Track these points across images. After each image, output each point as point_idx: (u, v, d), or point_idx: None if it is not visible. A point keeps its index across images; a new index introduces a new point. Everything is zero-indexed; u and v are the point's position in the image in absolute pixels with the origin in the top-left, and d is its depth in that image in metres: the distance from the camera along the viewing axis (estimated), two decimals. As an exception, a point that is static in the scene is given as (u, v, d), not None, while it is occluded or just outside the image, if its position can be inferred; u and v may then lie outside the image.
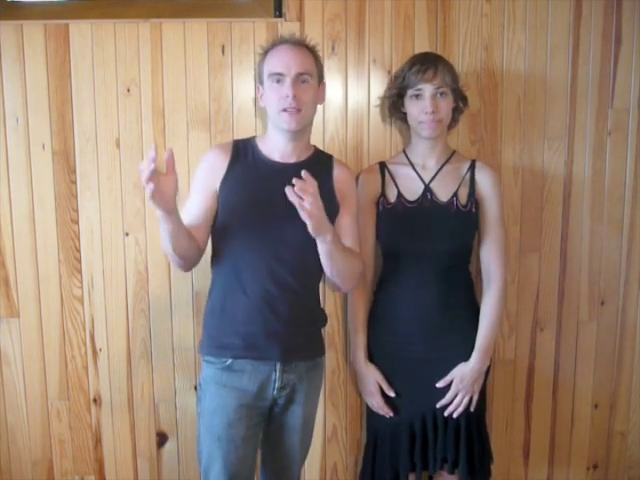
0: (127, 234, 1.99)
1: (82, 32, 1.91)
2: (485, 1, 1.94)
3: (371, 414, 1.88)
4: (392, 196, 1.81)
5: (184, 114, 1.95)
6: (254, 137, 1.73)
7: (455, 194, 1.79)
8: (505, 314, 2.05)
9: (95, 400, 2.07)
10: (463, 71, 1.92)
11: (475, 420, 1.80)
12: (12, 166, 1.96)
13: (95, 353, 2.05)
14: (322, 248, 1.54)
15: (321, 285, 1.80)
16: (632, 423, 2.17)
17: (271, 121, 1.64)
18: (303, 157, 1.67)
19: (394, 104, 1.84)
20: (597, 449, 2.18)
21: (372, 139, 1.99)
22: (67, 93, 1.94)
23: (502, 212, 1.84)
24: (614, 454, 2.19)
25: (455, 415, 1.76)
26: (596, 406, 2.15)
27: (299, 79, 1.57)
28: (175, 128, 1.96)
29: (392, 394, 1.81)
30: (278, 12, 1.93)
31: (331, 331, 2.04)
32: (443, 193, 1.79)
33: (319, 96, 1.65)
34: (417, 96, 1.74)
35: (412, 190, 1.80)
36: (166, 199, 1.39)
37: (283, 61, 1.56)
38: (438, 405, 1.77)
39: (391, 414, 1.81)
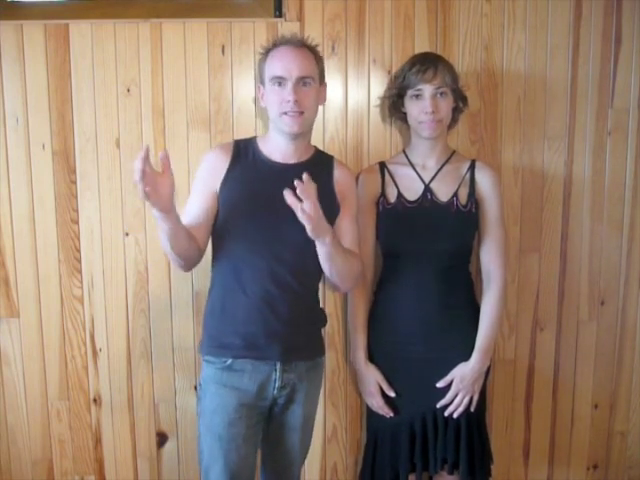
0: (127, 234, 1.99)
1: (82, 32, 1.91)
2: (485, 1, 1.94)
3: (371, 414, 1.88)
4: (392, 196, 1.81)
5: (184, 114, 1.95)
6: (255, 137, 1.73)
7: (455, 194, 1.79)
8: (505, 314, 2.05)
9: (95, 400, 2.07)
10: (463, 71, 1.92)
11: (475, 420, 1.80)
12: (12, 166, 1.96)
13: (95, 353, 2.05)
14: (321, 250, 1.54)
15: (321, 285, 1.81)
16: (632, 423, 2.17)
17: (272, 123, 1.64)
18: (304, 158, 1.67)
19: (394, 104, 1.84)
20: (597, 449, 2.18)
21: (372, 139, 1.99)
22: (67, 93, 1.94)
23: (502, 212, 1.84)
24: (614, 454, 2.19)
25: (455, 415, 1.76)
26: (596, 406, 2.15)
27: (300, 82, 1.56)
28: (175, 128, 1.96)
29: (392, 394, 1.81)
30: (278, 12, 1.93)
31: (331, 331, 2.04)
32: (443, 193, 1.79)
33: (320, 97, 1.65)
34: (417, 96, 1.74)
35: (412, 190, 1.80)
36: (162, 199, 1.38)
37: (284, 64, 1.56)
38: (438, 405, 1.77)
39: (391, 414, 1.81)
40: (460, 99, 1.80)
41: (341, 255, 1.57)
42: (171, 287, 2.02)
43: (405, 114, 1.81)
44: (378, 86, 1.96)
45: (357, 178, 1.83)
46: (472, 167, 1.83)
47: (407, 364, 1.79)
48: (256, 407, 1.64)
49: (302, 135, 1.63)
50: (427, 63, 1.73)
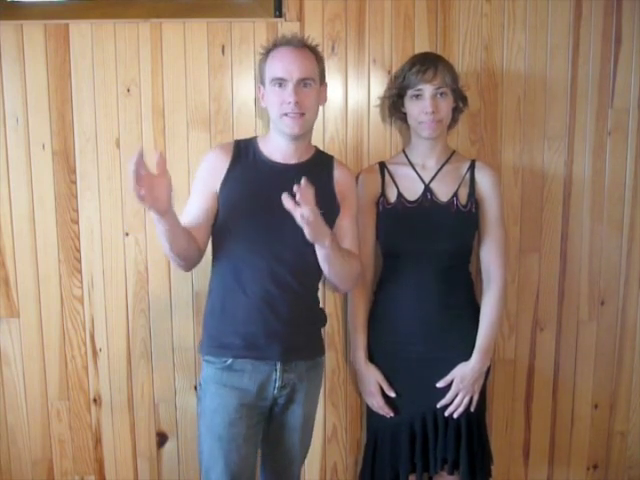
0: (127, 234, 1.99)
1: (82, 32, 1.91)
2: (485, 1, 1.94)
3: (371, 414, 1.88)
4: (392, 196, 1.81)
5: (184, 114, 1.95)
6: (255, 137, 1.72)
7: (455, 194, 1.79)
8: (505, 314, 2.05)
9: (95, 400, 2.07)
10: (463, 71, 1.92)
11: (475, 420, 1.80)
12: (12, 166, 1.96)
13: (95, 353, 2.05)
14: (320, 252, 1.54)
15: (321, 285, 1.81)
16: (632, 423, 2.17)
17: (273, 123, 1.64)
18: (304, 158, 1.67)
19: (394, 104, 1.84)
20: (597, 449, 2.18)
21: (372, 139, 1.99)
22: (67, 93, 1.94)
23: (502, 212, 1.84)
24: (614, 454, 2.18)
25: (455, 415, 1.76)
26: (596, 406, 2.15)
27: (301, 83, 1.56)
28: (175, 128, 1.96)
29: (392, 394, 1.80)
30: (278, 12, 1.93)
31: (331, 331, 2.04)
32: (443, 193, 1.79)
33: (321, 97, 1.65)
34: (417, 96, 1.74)
35: (412, 190, 1.80)
36: (158, 201, 1.37)
37: (285, 66, 1.56)
38: (438, 405, 1.77)
39: (391, 414, 1.81)
40: (460, 99, 1.80)
41: (340, 257, 1.57)
42: (171, 287, 2.02)
43: (405, 114, 1.81)
44: (378, 86, 1.96)
45: (357, 178, 1.83)
46: (472, 167, 1.83)
47: (407, 364, 1.79)
48: (256, 407, 1.64)
49: (303, 136, 1.63)
50: (427, 63, 1.73)
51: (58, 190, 1.97)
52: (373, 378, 1.82)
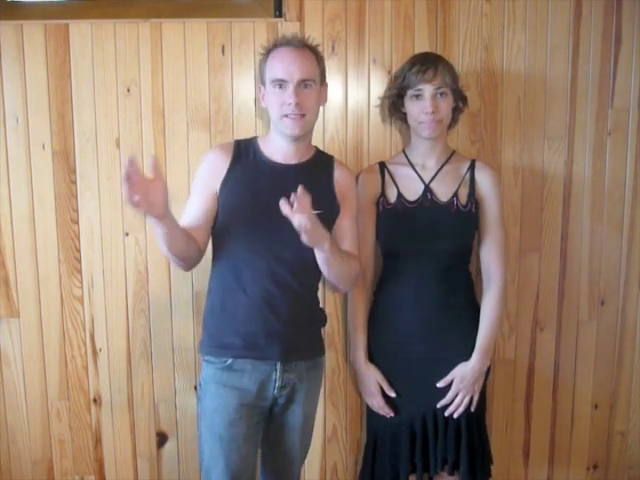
0: (127, 234, 1.99)
1: (82, 32, 1.91)
2: (485, 1, 1.94)
3: (371, 414, 1.88)
4: (392, 196, 1.81)
5: (184, 114, 1.95)
6: (256, 137, 1.72)
7: (455, 194, 1.79)
8: (505, 314, 2.05)
9: (95, 400, 2.07)
10: (463, 71, 1.92)
11: (475, 420, 1.80)
12: (12, 166, 1.96)
13: (95, 353, 2.05)
14: (319, 256, 1.54)
15: (321, 285, 1.81)
16: (632, 423, 2.17)
17: (273, 124, 1.64)
18: (305, 158, 1.67)
19: (394, 104, 1.84)
20: (597, 449, 2.18)
21: (372, 139, 1.99)
22: (67, 93, 1.94)
23: (502, 212, 1.84)
24: (614, 454, 2.19)
25: (455, 415, 1.76)
26: (596, 406, 2.15)
27: (302, 85, 1.56)
28: (175, 128, 1.95)
29: (393, 394, 1.80)
30: (278, 12, 1.93)
31: (331, 331, 2.04)
32: (443, 193, 1.79)
33: (321, 97, 1.64)
34: (417, 96, 1.74)
35: (412, 190, 1.80)
36: (154, 206, 1.35)
37: (285, 67, 1.55)
38: (438, 405, 1.77)
39: (391, 414, 1.81)
40: (460, 99, 1.80)
41: (339, 259, 1.57)
42: (171, 287, 2.02)
43: (405, 114, 1.81)
44: (378, 86, 1.96)
45: (357, 178, 1.83)
46: (472, 167, 1.83)
47: (407, 364, 1.79)
48: (256, 407, 1.64)
49: (303, 137, 1.63)
50: (427, 63, 1.73)
51: (58, 190, 1.97)
52: (373, 378, 1.82)
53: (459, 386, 1.76)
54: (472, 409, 1.77)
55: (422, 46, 1.93)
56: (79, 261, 2.01)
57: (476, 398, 1.78)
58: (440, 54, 1.85)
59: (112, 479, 2.11)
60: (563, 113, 2.00)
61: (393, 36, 1.94)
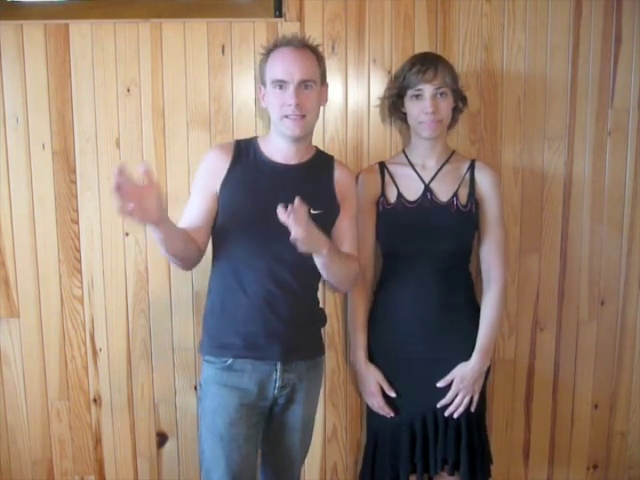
0: (127, 234, 1.99)
1: (82, 32, 1.91)
2: (485, 1, 1.94)
3: (371, 414, 1.88)
4: (392, 196, 1.81)
5: (184, 114, 1.95)
6: (256, 137, 1.72)
7: (455, 194, 1.79)
8: (505, 314, 2.05)
9: (95, 400, 2.07)
10: (463, 71, 1.92)
11: (475, 420, 1.80)
12: (12, 166, 1.96)
13: (95, 353, 2.05)
14: (318, 260, 1.54)
15: (321, 285, 1.81)
16: (632, 423, 2.17)
17: (274, 125, 1.64)
18: (305, 159, 1.67)
19: (394, 104, 1.84)
20: (597, 449, 2.18)
21: (372, 139, 1.99)
22: (67, 93, 1.93)
23: (502, 212, 1.84)
24: (614, 454, 2.19)
25: (455, 415, 1.76)
26: (596, 406, 2.15)
27: (302, 85, 1.56)
28: (175, 128, 1.95)
29: (393, 394, 1.80)
30: (278, 12, 1.93)
31: (331, 331, 2.04)
32: (443, 193, 1.79)
33: (322, 97, 1.64)
34: (417, 96, 1.74)
35: (412, 190, 1.80)
36: (148, 213, 1.33)
37: (286, 67, 1.55)
38: (438, 405, 1.77)
39: (392, 414, 1.81)
40: (460, 99, 1.80)
41: (338, 263, 1.58)
42: (171, 287, 2.02)
43: (405, 114, 1.81)
44: (378, 86, 1.96)
45: (357, 178, 1.83)
46: (472, 167, 1.83)
47: (407, 364, 1.79)
48: (257, 407, 1.64)
49: (303, 138, 1.63)
50: (427, 63, 1.73)
51: (58, 190, 1.97)
52: (373, 378, 1.82)
53: (459, 386, 1.76)
54: (472, 409, 1.77)
55: (422, 46, 1.93)
56: (79, 261, 2.00)
57: (476, 398, 1.78)
58: (440, 54, 1.85)
59: (112, 479, 2.11)
60: (563, 113, 2.00)
61: (393, 36, 1.94)
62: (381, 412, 1.83)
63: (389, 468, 1.83)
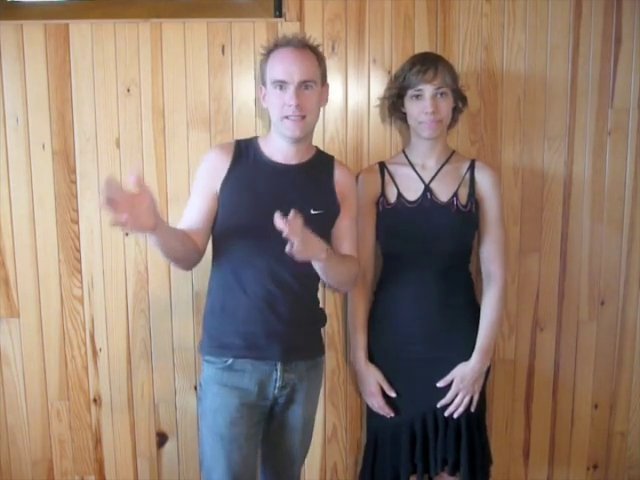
0: (127, 234, 1.99)
1: (82, 32, 1.91)
2: (485, 1, 1.94)
3: (371, 414, 1.88)
4: (392, 196, 1.81)
5: (184, 114, 1.95)
6: (256, 137, 1.72)
7: (455, 194, 1.79)
8: (505, 314, 2.05)
9: (95, 400, 2.07)
10: (463, 71, 1.92)
11: (475, 421, 1.80)
12: (12, 166, 1.96)
13: (95, 353, 2.05)
14: (316, 265, 1.54)
15: (321, 285, 1.81)
16: (632, 423, 2.17)
17: (274, 125, 1.64)
18: (305, 159, 1.67)
19: (394, 104, 1.84)
20: (597, 449, 2.18)
21: (372, 139, 1.99)
22: (67, 93, 1.93)
23: (502, 212, 1.84)
24: (614, 454, 2.19)
25: (455, 415, 1.76)
26: (596, 406, 2.15)
27: (302, 86, 1.55)
28: (175, 128, 1.95)
29: (393, 394, 1.80)
30: (278, 12, 1.93)
31: (331, 331, 2.04)
32: (443, 193, 1.79)
33: (322, 98, 1.64)
34: (417, 96, 1.74)
35: (412, 190, 1.80)
36: (140, 220, 1.31)
37: (286, 67, 1.55)
38: (439, 405, 1.77)
39: (392, 414, 1.81)
40: (460, 99, 1.80)
41: (336, 267, 1.58)
42: (171, 287, 2.02)
43: (405, 114, 1.81)
44: (378, 86, 1.96)
45: (357, 178, 1.83)
46: (472, 167, 1.83)
47: (407, 364, 1.79)
48: (257, 407, 1.64)
49: (304, 138, 1.62)
50: (427, 63, 1.73)
51: (58, 190, 1.97)
52: (373, 378, 1.82)
53: (459, 386, 1.76)
54: (472, 409, 1.77)
55: (422, 46, 1.93)
56: (79, 261, 2.00)
57: (476, 398, 1.78)
58: (440, 54, 1.85)
59: (112, 479, 2.11)
60: (563, 113, 2.00)
61: (393, 36, 1.94)
62: (381, 412, 1.83)
63: (390, 468, 1.83)
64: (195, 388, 2.04)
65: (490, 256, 1.81)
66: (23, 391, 2.06)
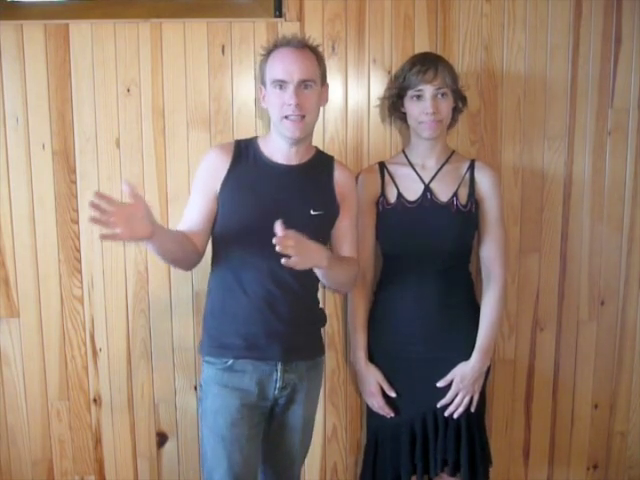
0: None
1: (82, 32, 1.91)
2: (485, 1, 1.94)
3: (371, 414, 1.88)
4: (392, 196, 1.81)
5: (184, 114, 1.95)
6: (256, 138, 1.72)
7: (455, 194, 1.79)
8: (505, 314, 2.05)
9: (95, 400, 2.07)
10: (463, 71, 1.92)
11: (475, 421, 1.80)
12: (12, 166, 1.96)
13: (95, 353, 2.05)
14: (317, 270, 1.55)
15: (321, 285, 1.80)
16: (632, 423, 2.17)
17: (274, 126, 1.64)
18: (305, 159, 1.67)
19: (394, 104, 1.84)
20: (597, 449, 2.18)
21: (372, 139, 1.99)
22: (67, 93, 1.93)
23: (502, 212, 1.84)
24: (614, 454, 2.19)
25: (455, 415, 1.76)
26: (596, 406, 2.15)
27: (302, 85, 1.55)
28: (175, 128, 1.95)
29: (393, 394, 1.80)
30: (278, 12, 1.93)
31: (331, 331, 2.04)
32: (443, 193, 1.79)
33: (322, 98, 1.64)
34: (418, 97, 1.74)
35: (412, 190, 1.80)
36: (135, 228, 1.31)
37: (286, 67, 1.55)
38: (439, 405, 1.77)
39: (392, 414, 1.81)
40: (460, 99, 1.80)
41: (337, 270, 1.58)
42: (171, 287, 2.02)
43: (405, 114, 1.81)
44: (378, 86, 1.96)
45: (357, 178, 1.83)
46: (472, 167, 1.83)
47: (407, 364, 1.79)
48: (258, 407, 1.63)
49: (303, 139, 1.62)
50: (427, 63, 1.73)
51: (58, 190, 1.97)
52: (373, 378, 1.82)
53: (459, 386, 1.76)
54: (472, 409, 1.77)
55: (422, 46, 1.93)
56: (79, 261, 2.00)
57: (476, 398, 1.78)
58: (440, 54, 1.85)
59: (112, 479, 2.11)
60: (563, 113, 2.00)
61: (393, 36, 1.94)
62: (381, 412, 1.83)
63: (390, 469, 1.83)
64: (195, 388, 2.04)
65: (490, 256, 1.81)
66: (23, 391, 2.06)
